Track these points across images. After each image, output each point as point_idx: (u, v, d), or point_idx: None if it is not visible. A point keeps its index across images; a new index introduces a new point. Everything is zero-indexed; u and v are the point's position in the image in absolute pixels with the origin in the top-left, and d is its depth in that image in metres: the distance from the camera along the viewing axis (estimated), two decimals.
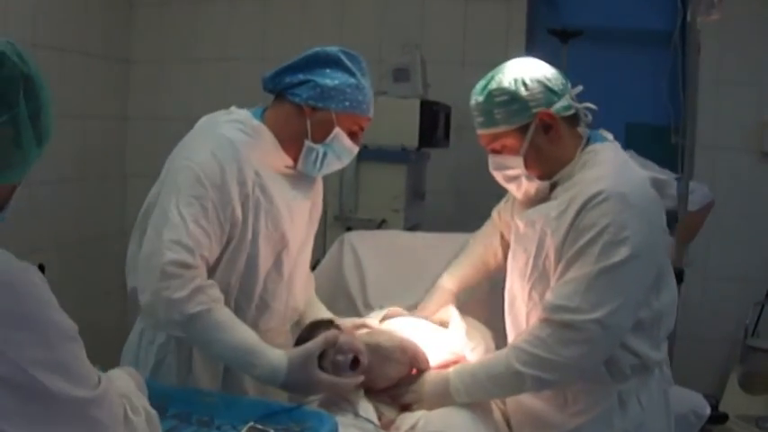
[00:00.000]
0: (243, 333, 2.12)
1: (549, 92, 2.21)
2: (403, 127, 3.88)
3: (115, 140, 5.22)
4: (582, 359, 2.11)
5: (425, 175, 4.43)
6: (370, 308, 2.85)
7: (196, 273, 2.12)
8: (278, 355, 2.08)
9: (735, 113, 4.54)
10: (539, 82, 2.21)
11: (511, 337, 2.41)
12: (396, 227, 3.86)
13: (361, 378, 2.16)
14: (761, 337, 4.36)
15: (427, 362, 2.33)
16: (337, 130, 2.34)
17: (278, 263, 2.40)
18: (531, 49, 4.81)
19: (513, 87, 2.21)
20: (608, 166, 2.18)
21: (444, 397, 2.23)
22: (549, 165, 2.26)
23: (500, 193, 4.73)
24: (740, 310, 4.37)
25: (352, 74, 2.34)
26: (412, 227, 4.03)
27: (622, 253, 2.03)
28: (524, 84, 2.20)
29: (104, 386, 1.34)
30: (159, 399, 1.99)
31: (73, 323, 1.32)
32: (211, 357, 2.30)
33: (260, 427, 1.84)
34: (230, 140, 2.26)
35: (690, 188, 3.56)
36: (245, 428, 1.82)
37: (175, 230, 2.11)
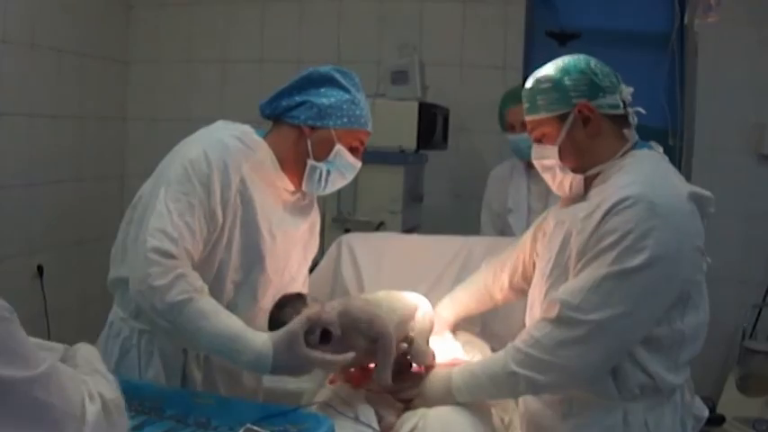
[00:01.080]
0: (226, 320, 2.09)
1: (593, 86, 2.17)
2: (401, 129, 3.90)
3: (113, 141, 5.23)
4: (577, 361, 2.03)
5: (423, 178, 4.44)
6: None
7: (178, 263, 2.11)
8: (263, 340, 2.05)
9: (732, 115, 4.53)
10: (585, 74, 2.18)
11: None
12: (394, 229, 3.87)
13: (352, 355, 2.12)
14: (758, 340, 4.36)
15: (391, 348, 2.24)
16: (339, 147, 2.35)
17: (251, 284, 2.37)
18: (530, 51, 4.82)
19: (557, 76, 2.19)
20: (644, 173, 2.11)
21: (446, 395, 2.20)
22: (584, 158, 2.22)
23: None
24: (738, 313, 4.38)
25: (346, 90, 2.36)
26: (410, 229, 4.03)
27: (638, 260, 1.96)
28: (569, 73, 2.18)
29: (49, 367, 1.26)
30: (156, 400, 2.00)
31: (4, 302, 1.22)
32: (198, 349, 2.29)
33: (256, 429, 1.83)
34: (224, 143, 2.28)
35: None
36: (242, 430, 1.81)
37: (161, 220, 2.12)
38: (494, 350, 2.67)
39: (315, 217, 2.64)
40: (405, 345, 2.35)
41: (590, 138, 2.18)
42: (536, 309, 2.31)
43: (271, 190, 2.38)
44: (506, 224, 3.78)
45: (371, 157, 3.76)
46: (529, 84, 2.27)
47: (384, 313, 2.28)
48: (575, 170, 2.23)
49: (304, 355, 2.03)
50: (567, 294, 2.05)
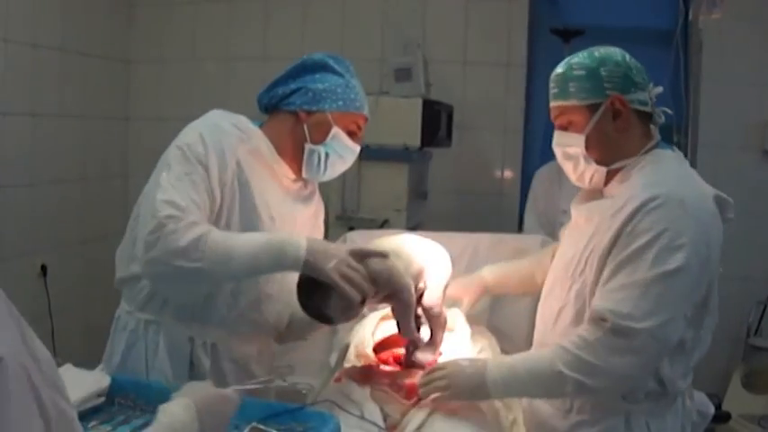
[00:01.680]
0: (251, 233, 2.24)
1: (628, 79, 2.15)
2: (405, 126, 3.89)
3: (116, 141, 5.22)
4: (628, 368, 1.99)
5: (427, 175, 4.43)
6: (372, 307, 2.85)
7: (190, 221, 2.14)
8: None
9: (737, 112, 4.53)
10: (620, 67, 2.16)
11: (539, 331, 2.36)
12: (398, 226, 3.85)
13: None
14: (763, 336, 4.36)
15: (411, 301, 2.29)
16: (336, 129, 2.38)
17: None
18: (533, 48, 4.81)
19: (592, 65, 2.16)
20: (670, 172, 2.12)
21: (479, 389, 2.11)
22: (609, 151, 2.18)
23: (501, 192, 4.77)
24: (743, 309, 4.37)
25: (340, 75, 2.42)
26: (414, 226, 4.02)
27: (678, 260, 1.94)
28: (605, 64, 2.16)
29: None
30: (162, 397, 1.99)
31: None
32: (232, 273, 2.22)
33: (262, 427, 1.83)
34: (220, 127, 2.33)
35: None
36: (248, 428, 1.81)
37: (168, 193, 2.16)
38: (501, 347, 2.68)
39: (318, 205, 2.65)
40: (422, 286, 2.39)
41: (617, 131, 2.16)
42: (552, 299, 2.30)
43: (269, 174, 2.42)
44: (558, 224, 3.74)
45: (375, 154, 3.76)
46: (560, 69, 2.24)
47: (402, 264, 2.30)
48: (599, 162, 2.20)
49: (337, 246, 2.18)
50: (614, 304, 1.99)
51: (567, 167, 2.29)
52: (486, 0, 4.79)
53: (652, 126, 2.22)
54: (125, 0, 5.26)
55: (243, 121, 2.42)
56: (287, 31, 5.00)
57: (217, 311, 2.35)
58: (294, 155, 2.43)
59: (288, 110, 2.42)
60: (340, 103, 2.39)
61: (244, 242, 2.15)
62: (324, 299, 2.15)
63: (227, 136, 2.31)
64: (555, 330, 2.24)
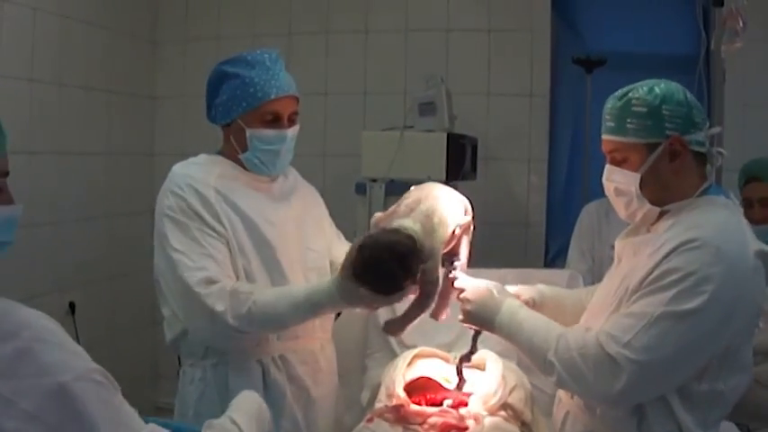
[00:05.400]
0: (288, 291, 2.34)
1: (689, 120, 2.09)
2: (430, 160, 3.89)
3: (142, 177, 5.24)
4: (606, 387, 1.97)
5: None
6: (403, 345, 2.84)
7: (223, 284, 2.27)
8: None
9: (761, 137, 4.50)
10: (682, 106, 2.10)
11: None
12: None
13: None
14: None
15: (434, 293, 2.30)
16: (250, 132, 2.46)
17: (276, 268, 2.48)
18: (556, 78, 4.81)
19: (655, 102, 2.08)
20: (716, 219, 2.04)
21: (487, 320, 2.25)
22: (663, 192, 2.13)
23: (527, 222, 4.75)
24: None
25: (236, 76, 2.49)
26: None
27: (695, 302, 1.89)
28: (666, 102, 2.09)
29: None
30: None
31: (98, 367, 1.29)
32: (287, 325, 2.40)
33: None
34: (183, 174, 2.46)
35: None
36: None
37: (184, 263, 2.30)
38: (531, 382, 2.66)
39: (306, 190, 2.78)
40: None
41: (673, 172, 2.11)
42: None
43: (246, 185, 2.52)
44: (607, 259, 3.67)
45: (400, 188, 3.74)
46: (619, 102, 2.14)
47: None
48: (652, 202, 2.14)
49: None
50: (617, 330, 1.98)
51: (618, 204, 2.24)
52: (508, 31, 4.79)
53: (708, 167, 2.17)
54: (149, 37, 5.32)
55: (200, 157, 2.56)
56: (310, 66, 5.01)
57: None
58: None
59: (221, 125, 2.57)
60: (243, 104, 2.46)
61: (285, 311, 2.29)
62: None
63: (193, 176, 2.43)
64: None
